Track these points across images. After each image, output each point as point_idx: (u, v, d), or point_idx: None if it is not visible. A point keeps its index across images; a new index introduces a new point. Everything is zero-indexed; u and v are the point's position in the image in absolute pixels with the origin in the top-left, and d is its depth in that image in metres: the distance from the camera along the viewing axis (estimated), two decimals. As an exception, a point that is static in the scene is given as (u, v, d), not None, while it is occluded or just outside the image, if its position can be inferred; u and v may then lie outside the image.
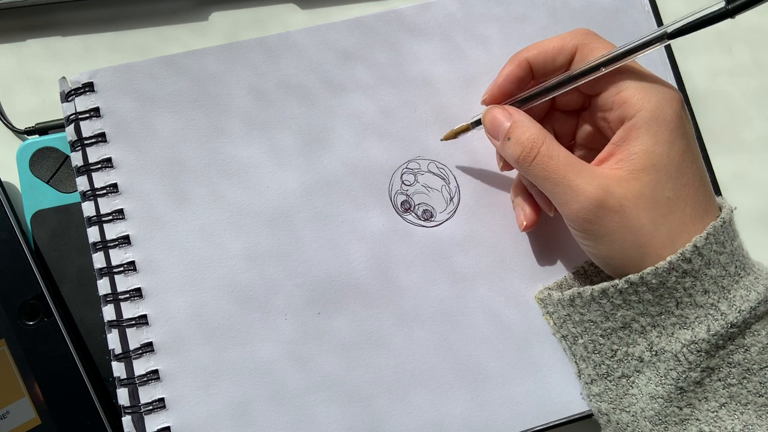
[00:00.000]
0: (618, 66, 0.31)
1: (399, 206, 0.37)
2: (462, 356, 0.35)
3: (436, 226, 0.37)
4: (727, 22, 0.45)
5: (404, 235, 0.36)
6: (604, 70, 0.31)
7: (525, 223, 0.35)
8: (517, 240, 0.37)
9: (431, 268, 0.36)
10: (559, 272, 0.37)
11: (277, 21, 0.42)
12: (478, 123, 0.35)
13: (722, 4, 0.27)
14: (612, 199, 0.30)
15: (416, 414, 0.34)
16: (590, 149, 0.35)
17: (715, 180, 0.41)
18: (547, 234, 0.37)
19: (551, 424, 0.35)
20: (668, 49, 0.42)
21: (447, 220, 0.37)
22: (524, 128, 0.32)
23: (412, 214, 0.37)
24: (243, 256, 0.35)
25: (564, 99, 0.34)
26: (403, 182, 0.37)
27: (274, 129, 0.37)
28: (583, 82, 0.32)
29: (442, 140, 0.37)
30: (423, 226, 0.37)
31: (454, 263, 0.36)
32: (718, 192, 0.40)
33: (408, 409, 0.34)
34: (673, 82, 0.41)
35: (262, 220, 0.35)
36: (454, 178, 0.38)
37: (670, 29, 0.29)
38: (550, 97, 0.33)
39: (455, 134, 0.37)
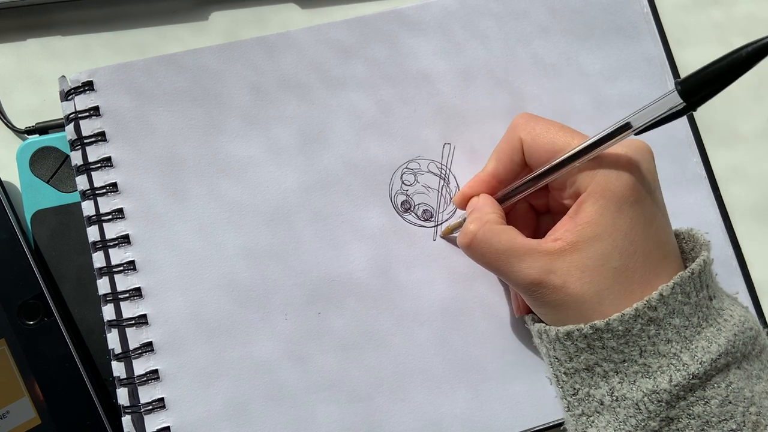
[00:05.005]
0: (584, 159, 0.30)
1: (399, 206, 0.37)
2: (462, 356, 0.35)
3: (436, 226, 0.37)
4: (723, 13, 0.45)
5: (404, 235, 0.36)
6: (575, 164, 0.31)
7: (521, 311, 0.35)
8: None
9: (431, 268, 0.36)
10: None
11: (277, 20, 0.42)
12: None
13: (681, 102, 0.26)
14: (555, 278, 0.30)
15: (416, 414, 0.34)
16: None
17: (712, 174, 0.41)
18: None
19: (551, 424, 0.35)
20: (665, 42, 0.42)
21: (447, 220, 0.37)
22: (471, 218, 0.33)
23: (412, 214, 0.37)
24: (243, 255, 0.35)
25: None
26: (403, 182, 0.37)
27: (273, 127, 0.37)
28: (548, 181, 0.32)
29: (441, 237, 0.37)
30: (423, 226, 0.37)
31: (454, 263, 0.36)
32: (716, 191, 0.40)
33: (408, 409, 0.34)
34: (670, 78, 0.41)
35: (262, 219, 0.35)
36: (454, 178, 0.38)
37: (635, 127, 0.29)
38: (525, 195, 0.33)
39: (452, 230, 0.37)
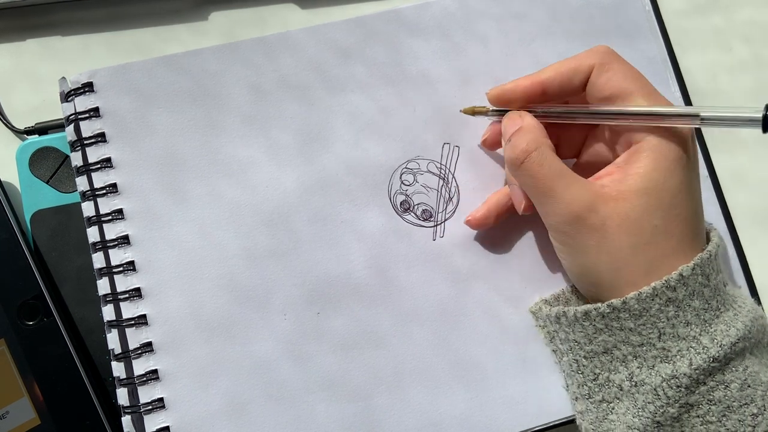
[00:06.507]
0: (640, 123, 0.31)
1: (398, 206, 0.37)
2: (461, 356, 0.35)
3: (435, 226, 0.37)
4: (724, 18, 0.45)
5: (403, 235, 0.36)
6: (631, 121, 0.31)
7: (469, 218, 0.35)
8: (516, 240, 0.37)
9: (430, 268, 0.36)
10: (558, 275, 0.36)
11: (276, 20, 0.42)
12: (497, 112, 0.35)
13: (760, 120, 0.27)
14: (595, 217, 0.30)
15: (415, 414, 0.34)
16: (589, 169, 0.34)
17: (716, 178, 0.41)
18: (547, 235, 0.37)
19: (551, 424, 0.35)
20: (668, 46, 0.42)
21: (446, 220, 0.37)
22: (524, 133, 0.32)
23: (412, 214, 0.37)
24: (242, 255, 0.35)
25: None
26: (402, 182, 0.37)
27: (273, 128, 0.37)
28: (606, 123, 0.32)
29: (461, 111, 0.37)
30: (422, 226, 0.37)
31: (454, 263, 0.36)
32: (718, 191, 0.40)
33: (407, 409, 0.34)
34: (672, 78, 0.41)
35: (261, 219, 0.35)
36: (454, 178, 0.38)
37: (704, 117, 0.29)
38: (569, 122, 0.33)
39: (473, 112, 0.36)
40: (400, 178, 0.37)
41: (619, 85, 0.31)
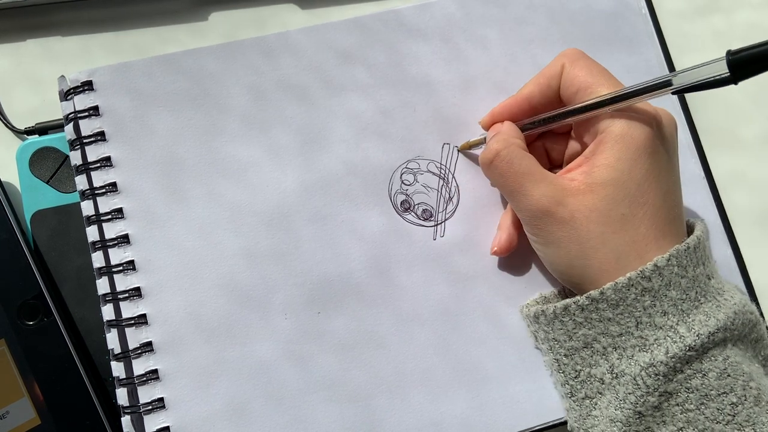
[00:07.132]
0: (616, 107, 0.31)
1: (399, 206, 0.37)
2: (461, 356, 0.35)
3: (435, 225, 0.37)
4: (723, 19, 0.45)
5: (404, 234, 0.36)
6: (606, 110, 0.31)
7: (496, 248, 0.36)
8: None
9: (431, 268, 0.36)
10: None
11: (276, 21, 0.42)
12: None
13: (726, 72, 0.27)
14: (564, 211, 0.31)
15: (416, 414, 0.34)
16: None
17: (713, 179, 0.41)
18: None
19: (551, 424, 0.35)
20: (665, 48, 0.42)
21: (446, 219, 0.37)
22: (496, 138, 0.34)
23: (412, 213, 0.37)
24: (242, 255, 0.35)
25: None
26: (402, 182, 0.37)
27: (272, 128, 0.37)
28: (580, 118, 0.32)
29: (459, 150, 0.38)
30: (422, 225, 0.37)
31: (454, 263, 0.36)
32: (715, 192, 0.40)
33: (407, 409, 0.34)
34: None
35: (261, 219, 0.35)
36: (454, 177, 0.38)
37: (674, 86, 0.29)
38: (548, 128, 0.35)
39: (470, 146, 0.37)
40: (401, 177, 0.37)
41: (584, 79, 0.32)
